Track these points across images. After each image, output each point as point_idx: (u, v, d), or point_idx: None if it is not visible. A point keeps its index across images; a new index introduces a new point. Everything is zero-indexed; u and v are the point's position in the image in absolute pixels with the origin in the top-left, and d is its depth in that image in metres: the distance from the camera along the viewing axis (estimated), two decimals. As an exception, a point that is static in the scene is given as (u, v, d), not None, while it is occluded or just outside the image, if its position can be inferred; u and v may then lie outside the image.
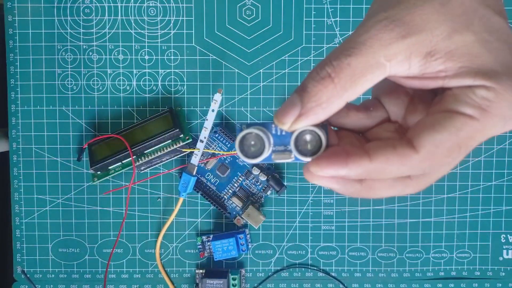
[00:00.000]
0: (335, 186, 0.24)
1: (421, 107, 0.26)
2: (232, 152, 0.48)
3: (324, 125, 0.25)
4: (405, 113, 0.26)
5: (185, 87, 0.49)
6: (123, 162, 0.47)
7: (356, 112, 0.26)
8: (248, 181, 0.49)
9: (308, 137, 0.25)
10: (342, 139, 0.26)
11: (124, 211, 0.49)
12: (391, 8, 0.23)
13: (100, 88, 0.49)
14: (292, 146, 0.25)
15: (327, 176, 0.24)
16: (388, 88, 0.26)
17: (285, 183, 0.49)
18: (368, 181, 0.24)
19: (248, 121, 0.26)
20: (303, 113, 0.24)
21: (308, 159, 0.25)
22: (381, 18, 0.23)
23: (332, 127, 0.26)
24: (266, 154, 0.26)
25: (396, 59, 0.23)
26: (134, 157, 0.46)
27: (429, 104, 0.25)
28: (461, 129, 0.23)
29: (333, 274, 0.50)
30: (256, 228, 0.49)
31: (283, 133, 0.26)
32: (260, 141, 0.26)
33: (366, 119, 0.27)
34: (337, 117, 0.26)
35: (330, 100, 0.23)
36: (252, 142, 0.26)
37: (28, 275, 0.50)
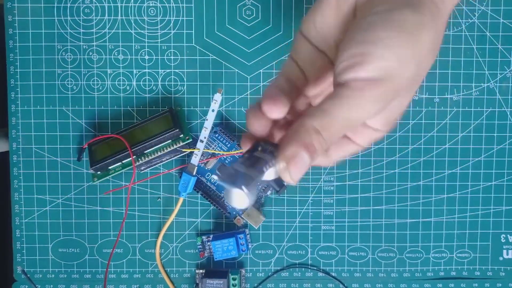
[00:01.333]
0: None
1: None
2: (232, 152, 0.48)
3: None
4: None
5: (185, 87, 0.49)
6: (123, 162, 0.47)
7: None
8: (248, 181, 0.49)
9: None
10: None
11: (124, 211, 0.49)
12: None
13: (100, 88, 0.49)
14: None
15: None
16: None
17: (285, 183, 0.49)
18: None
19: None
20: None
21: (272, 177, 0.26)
22: None
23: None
24: (253, 198, 0.26)
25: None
26: (134, 157, 0.46)
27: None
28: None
29: (333, 274, 0.50)
30: (256, 228, 0.49)
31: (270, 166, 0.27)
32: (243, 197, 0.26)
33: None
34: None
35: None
36: (237, 198, 0.26)
37: (28, 275, 0.50)
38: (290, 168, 0.26)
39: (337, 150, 0.31)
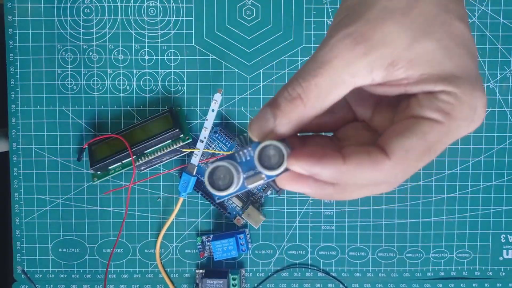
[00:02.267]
0: (307, 190, 0.25)
1: (387, 108, 0.27)
2: (232, 152, 0.48)
3: (283, 138, 0.26)
4: (372, 114, 0.27)
5: (185, 87, 0.49)
6: (123, 162, 0.47)
7: (320, 115, 0.26)
8: (248, 181, 0.49)
9: (271, 152, 0.26)
10: (314, 142, 0.27)
11: (124, 211, 0.49)
12: (353, 23, 0.24)
13: (100, 88, 0.49)
14: (257, 165, 0.25)
15: (301, 171, 0.24)
16: (356, 91, 0.26)
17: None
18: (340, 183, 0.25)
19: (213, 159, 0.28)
20: (276, 129, 0.25)
21: (277, 172, 0.25)
22: (343, 36, 0.24)
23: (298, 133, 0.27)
24: (238, 182, 0.26)
25: (359, 74, 0.24)
26: (134, 157, 0.46)
27: (395, 104, 0.26)
28: (428, 133, 0.24)
29: (333, 274, 0.50)
30: (256, 228, 0.49)
31: (248, 158, 0.27)
32: (229, 173, 0.26)
33: (329, 118, 0.28)
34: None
35: (301, 118, 0.25)
36: (222, 176, 0.26)
37: (28, 275, 0.50)
38: (250, 124, 0.25)
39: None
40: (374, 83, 0.25)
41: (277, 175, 0.26)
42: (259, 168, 0.26)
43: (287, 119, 0.25)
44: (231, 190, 0.26)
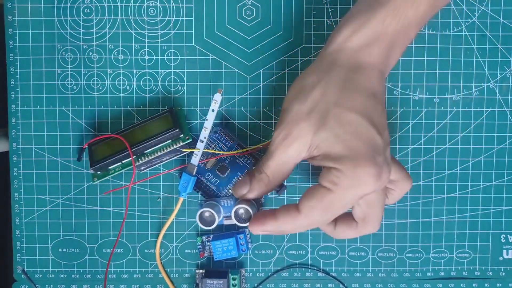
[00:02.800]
0: (271, 231, 0.39)
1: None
2: (232, 152, 0.48)
3: (257, 200, 0.45)
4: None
5: (185, 87, 0.49)
6: (123, 162, 0.47)
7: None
8: (248, 181, 0.49)
9: (241, 210, 0.44)
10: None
11: (124, 211, 0.49)
12: (283, 121, 0.37)
13: (100, 88, 0.49)
14: (233, 217, 0.45)
15: (256, 231, 0.39)
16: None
17: (285, 183, 0.49)
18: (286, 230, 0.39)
19: (205, 201, 0.48)
20: (250, 192, 0.41)
21: (245, 224, 0.44)
22: (279, 131, 0.37)
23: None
24: (218, 220, 0.46)
25: (293, 156, 0.37)
26: (134, 157, 0.46)
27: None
28: (323, 196, 0.35)
29: (333, 274, 0.50)
30: (256, 228, 0.49)
31: (228, 205, 0.47)
32: (211, 216, 0.46)
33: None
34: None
35: (267, 187, 0.40)
36: (207, 215, 0.46)
37: (28, 275, 0.50)
38: (233, 187, 0.43)
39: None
40: (305, 159, 0.37)
41: (245, 225, 0.45)
42: (235, 221, 0.45)
43: (257, 189, 0.40)
44: (214, 225, 0.46)
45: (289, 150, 0.36)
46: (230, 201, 0.46)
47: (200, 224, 0.46)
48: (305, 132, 0.35)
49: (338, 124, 0.34)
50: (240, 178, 0.41)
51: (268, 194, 0.49)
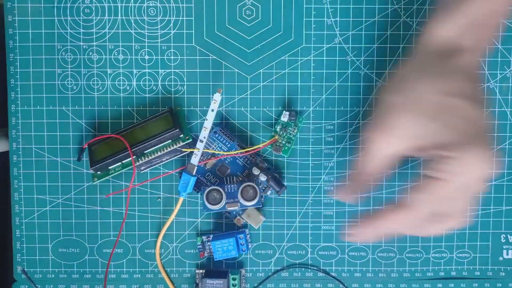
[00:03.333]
0: (381, 234, 0.43)
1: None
2: (232, 152, 0.48)
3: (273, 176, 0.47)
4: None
5: (185, 87, 0.49)
6: (123, 162, 0.47)
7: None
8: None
9: (250, 189, 0.47)
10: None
11: (124, 211, 0.49)
12: (380, 115, 0.37)
13: (100, 88, 0.49)
14: (239, 197, 0.46)
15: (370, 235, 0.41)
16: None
17: (285, 183, 0.49)
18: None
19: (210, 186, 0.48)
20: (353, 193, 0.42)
21: (250, 203, 0.47)
22: (377, 126, 0.37)
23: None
24: (222, 204, 0.47)
25: (395, 148, 0.37)
26: (134, 157, 0.46)
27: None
28: (438, 188, 0.35)
29: (333, 274, 0.50)
30: (256, 228, 0.49)
31: (231, 191, 0.47)
32: (220, 195, 0.47)
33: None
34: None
35: (364, 178, 0.41)
36: (215, 194, 0.47)
37: (28, 275, 0.50)
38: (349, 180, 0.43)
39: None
40: (409, 152, 0.36)
41: (251, 206, 0.47)
42: (240, 199, 0.46)
43: (358, 180, 0.41)
44: (219, 206, 0.47)
45: (390, 143, 0.36)
46: (234, 188, 0.47)
47: (207, 204, 0.46)
48: (408, 124, 0.35)
49: (442, 111, 0.34)
50: (346, 184, 0.42)
51: (268, 194, 0.49)
